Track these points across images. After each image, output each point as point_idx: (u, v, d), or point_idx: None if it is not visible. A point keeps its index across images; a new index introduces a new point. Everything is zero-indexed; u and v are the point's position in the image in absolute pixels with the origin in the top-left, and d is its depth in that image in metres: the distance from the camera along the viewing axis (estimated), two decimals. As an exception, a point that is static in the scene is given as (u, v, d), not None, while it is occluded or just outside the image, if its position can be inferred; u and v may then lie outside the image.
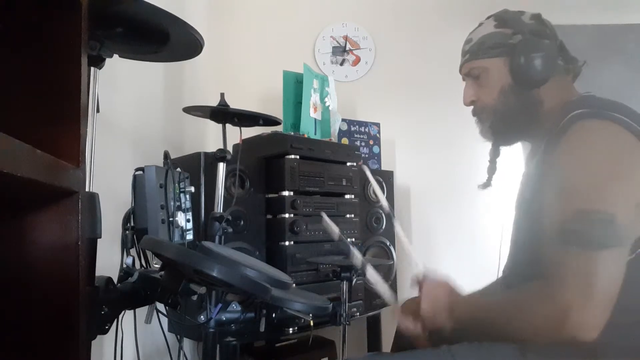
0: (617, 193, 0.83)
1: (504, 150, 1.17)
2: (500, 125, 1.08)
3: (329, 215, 1.87)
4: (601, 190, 0.83)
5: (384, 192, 2.20)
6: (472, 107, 1.13)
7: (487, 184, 1.19)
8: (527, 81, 1.02)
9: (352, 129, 2.38)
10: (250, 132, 1.69)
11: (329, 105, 2.20)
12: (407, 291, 2.43)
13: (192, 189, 1.20)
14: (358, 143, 2.37)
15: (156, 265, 1.07)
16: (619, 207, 0.81)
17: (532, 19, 1.06)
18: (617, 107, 0.90)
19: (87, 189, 0.79)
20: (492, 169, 1.19)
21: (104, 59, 0.94)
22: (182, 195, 1.16)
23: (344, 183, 1.94)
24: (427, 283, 1.05)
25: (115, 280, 0.92)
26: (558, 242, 0.84)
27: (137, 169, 1.06)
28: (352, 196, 1.97)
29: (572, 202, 0.84)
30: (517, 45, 1.02)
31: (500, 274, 1.17)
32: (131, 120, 1.63)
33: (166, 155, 1.14)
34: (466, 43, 1.12)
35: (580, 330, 0.79)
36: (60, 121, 0.63)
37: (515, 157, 1.14)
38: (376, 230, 2.15)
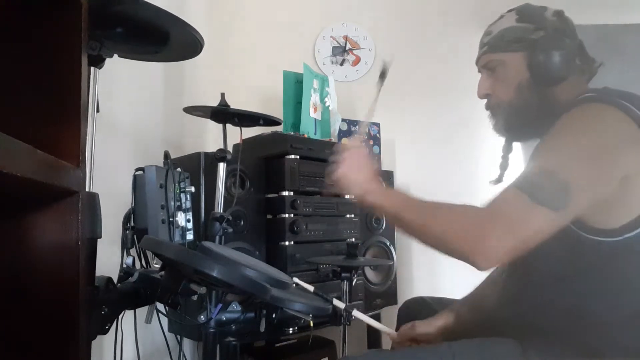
0: (585, 166, 0.84)
1: (521, 141, 1.16)
2: (514, 121, 1.07)
3: (329, 215, 1.88)
4: (569, 159, 0.86)
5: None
6: (485, 100, 1.12)
7: (499, 180, 1.18)
8: (545, 78, 1.01)
9: (352, 129, 2.38)
10: (251, 132, 1.70)
11: (329, 105, 2.20)
12: (407, 291, 2.44)
13: (192, 189, 1.20)
14: (358, 143, 2.36)
15: (156, 265, 1.07)
16: (578, 179, 0.83)
17: (555, 15, 1.04)
18: (627, 95, 0.90)
19: (87, 189, 0.79)
20: (504, 165, 1.18)
21: (104, 59, 0.94)
22: (182, 195, 1.16)
23: (344, 183, 1.93)
24: (349, 152, 1.11)
25: (115, 280, 0.92)
26: (513, 183, 0.88)
27: (137, 169, 1.06)
28: (352, 196, 1.97)
29: (541, 160, 0.89)
30: (539, 41, 1.00)
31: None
32: (131, 120, 1.63)
33: (166, 155, 1.14)
34: (485, 35, 1.10)
35: (477, 255, 0.84)
36: (60, 121, 0.63)
37: (522, 154, 1.13)
38: (376, 230, 2.15)
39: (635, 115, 0.85)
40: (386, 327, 1.23)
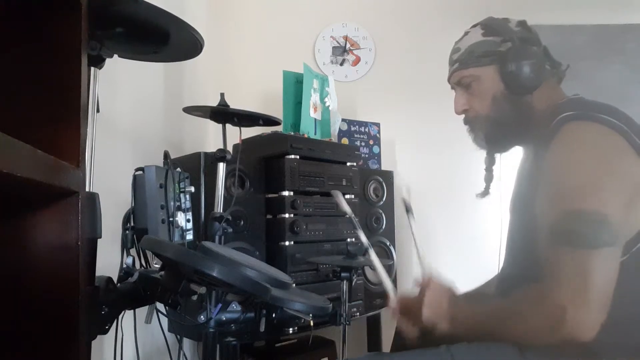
0: (608, 193, 0.84)
1: (502, 152, 1.17)
2: (494, 132, 1.08)
3: (329, 215, 1.88)
4: (593, 190, 0.84)
5: (383, 195, 2.20)
6: (462, 115, 1.13)
7: (485, 192, 1.19)
8: (520, 88, 1.02)
9: (352, 129, 2.38)
10: (250, 132, 1.69)
11: (329, 105, 2.20)
12: (407, 291, 2.43)
13: (192, 189, 1.20)
14: (358, 143, 2.37)
15: (156, 265, 1.07)
16: (611, 207, 0.82)
17: (519, 25, 1.06)
18: (604, 108, 0.91)
19: (87, 189, 0.79)
20: (489, 177, 1.19)
21: (104, 59, 0.94)
22: (182, 195, 1.16)
23: (344, 183, 1.94)
24: (432, 289, 1.02)
25: (115, 280, 0.92)
26: (551, 243, 0.85)
27: (137, 169, 1.06)
28: (352, 196, 1.97)
29: (563, 203, 0.85)
30: (508, 52, 1.02)
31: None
32: (131, 120, 1.63)
33: (166, 155, 1.14)
34: (454, 52, 1.12)
35: (577, 330, 0.79)
36: (60, 121, 0.63)
37: (516, 159, 1.14)
38: (376, 230, 2.15)
39: (618, 128, 0.86)
40: (392, 289, 1.20)
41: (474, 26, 1.10)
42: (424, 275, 1.06)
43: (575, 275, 0.81)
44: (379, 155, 2.44)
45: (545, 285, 0.84)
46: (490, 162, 1.18)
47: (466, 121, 1.13)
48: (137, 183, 1.05)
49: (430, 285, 1.02)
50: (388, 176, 2.26)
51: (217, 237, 1.38)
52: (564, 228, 0.83)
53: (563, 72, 1.08)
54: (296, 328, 1.68)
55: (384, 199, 2.21)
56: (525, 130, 1.05)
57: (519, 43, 1.02)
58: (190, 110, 1.46)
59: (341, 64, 2.67)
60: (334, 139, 2.23)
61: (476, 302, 1.05)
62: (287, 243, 1.73)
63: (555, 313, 0.81)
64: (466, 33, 1.11)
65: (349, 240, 1.92)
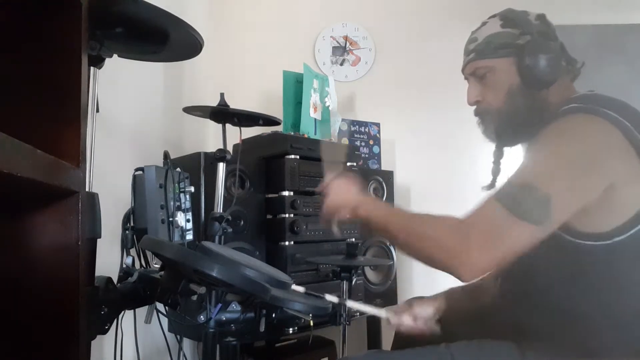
0: (566, 178, 0.85)
1: (512, 146, 1.16)
2: (505, 126, 1.06)
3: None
4: (551, 172, 0.86)
5: (383, 195, 2.20)
6: (474, 107, 1.12)
7: (491, 185, 1.18)
8: (536, 82, 1.01)
9: (352, 129, 2.38)
10: (250, 132, 1.69)
11: (329, 106, 2.20)
12: (407, 291, 2.44)
13: (192, 189, 1.20)
14: (358, 143, 2.37)
15: (156, 265, 1.07)
16: (560, 192, 0.83)
17: (538, 19, 1.04)
18: (613, 103, 0.90)
19: (87, 189, 0.79)
20: (496, 170, 1.18)
21: (104, 59, 0.94)
22: (182, 195, 1.16)
23: (344, 183, 1.93)
24: (334, 180, 1.10)
25: (115, 280, 0.92)
26: (494, 196, 0.88)
27: (137, 169, 1.06)
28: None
29: (523, 173, 0.89)
30: (526, 45, 1.00)
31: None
32: (131, 120, 1.63)
33: (166, 155, 1.14)
34: (470, 42, 1.10)
35: (460, 268, 0.85)
36: (60, 121, 0.63)
37: (517, 157, 1.14)
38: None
39: (620, 124, 0.85)
40: (382, 310, 1.22)
41: (493, 17, 1.08)
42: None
43: (493, 230, 0.85)
44: (379, 155, 2.44)
45: (464, 220, 0.88)
46: (498, 156, 1.17)
47: (477, 113, 1.12)
48: (137, 183, 1.05)
49: (332, 182, 1.10)
50: (388, 176, 2.26)
51: (217, 237, 1.38)
52: (511, 191, 0.86)
53: (578, 70, 1.07)
54: (296, 328, 1.68)
55: (383, 199, 2.21)
56: (535, 125, 1.04)
57: (537, 37, 1.01)
58: (190, 110, 1.46)
59: (341, 64, 2.67)
60: (334, 139, 2.23)
61: (386, 204, 1.07)
62: (287, 243, 1.73)
63: (456, 246, 0.86)
64: (484, 23, 1.09)
65: (348, 240, 1.92)
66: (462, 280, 0.86)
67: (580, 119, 0.90)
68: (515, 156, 1.16)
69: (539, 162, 0.90)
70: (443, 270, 0.87)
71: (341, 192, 1.07)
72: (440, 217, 0.92)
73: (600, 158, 0.86)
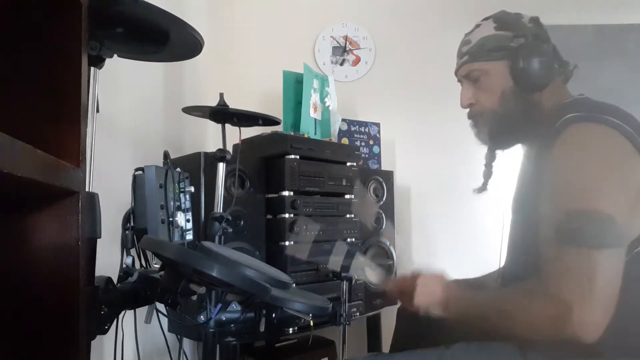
0: (612, 194, 0.83)
1: (504, 149, 1.16)
2: (498, 128, 1.07)
3: (329, 215, 1.88)
4: (597, 192, 0.84)
5: (383, 195, 2.20)
6: (468, 109, 1.13)
7: (482, 188, 1.18)
8: (530, 85, 1.01)
9: (352, 129, 2.38)
10: (250, 132, 1.69)
11: (329, 105, 2.20)
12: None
13: (192, 189, 1.20)
14: (358, 143, 2.37)
15: (156, 265, 1.07)
16: (615, 208, 0.82)
17: (531, 22, 1.05)
18: (609, 109, 0.91)
19: (87, 189, 0.79)
20: (488, 173, 1.18)
21: (104, 59, 0.94)
22: (182, 195, 1.16)
23: (344, 183, 1.93)
24: (423, 276, 1.05)
25: (115, 280, 0.92)
26: (557, 242, 0.84)
27: (137, 169, 1.06)
28: (352, 196, 1.97)
29: (569, 203, 0.84)
30: (520, 48, 1.01)
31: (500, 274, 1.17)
32: (131, 120, 1.63)
33: (166, 155, 1.14)
34: (464, 44, 1.10)
35: (582, 330, 0.79)
36: (60, 121, 0.63)
37: (517, 156, 1.13)
38: (376, 230, 2.15)
39: (622, 130, 0.86)
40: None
41: (486, 19, 1.08)
42: (413, 269, 1.08)
43: (581, 274, 0.80)
44: (379, 155, 2.44)
45: (549, 282, 0.84)
46: (490, 158, 1.17)
47: (470, 115, 1.12)
48: (137, 183, 1.05)
49: (421, 275, 1.05)
50: (388, 176, 2.26)
51: (217, 237, 1.38)
52: (570, 227, 0.82)
53: (570, 72, 1.07)
54: (296, 328, 1.67)
55: (384, 199, 2.21)
56: (530, 128, 1.04)
57: (531, 39, 1.01)
58: (189, 110, 1.46)
59: (341, 64, 2.67)
60: (334, 139, 2.22)
61: (474, 290, 1.06)
62: (287, 243, 1.73)
63: (560, 311, 0.80)
64: (477, 25, 1.09)
65: (349, 240, 1.92)
66: (592, 339, 0.79)
67: (589, 129, 0.89)
68: (507, 160, 1.17)
69: (579, 186, 0.86)
70: (566, 339, 0.81)
71: (430, 292, 1.02)
72: (521, 289, 0.89)
73: (625, 166, 0.86)
